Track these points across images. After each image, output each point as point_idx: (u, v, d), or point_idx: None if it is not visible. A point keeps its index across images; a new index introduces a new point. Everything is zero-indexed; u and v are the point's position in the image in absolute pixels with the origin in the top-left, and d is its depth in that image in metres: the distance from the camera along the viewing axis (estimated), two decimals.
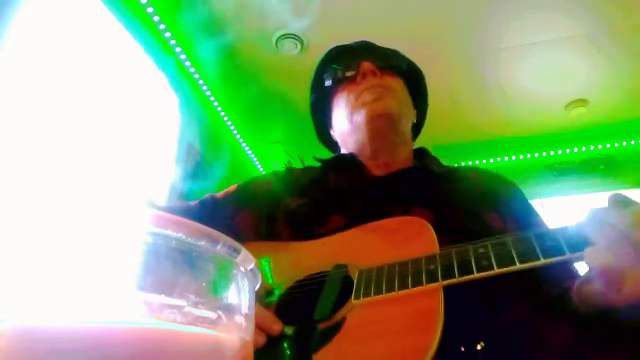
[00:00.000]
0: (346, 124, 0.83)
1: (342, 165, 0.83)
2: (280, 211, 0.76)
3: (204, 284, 0.21)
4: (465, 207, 0.70)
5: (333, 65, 0.88)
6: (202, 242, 0.20)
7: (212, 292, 0.21)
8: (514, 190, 0.81)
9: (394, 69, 0.85)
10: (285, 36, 2.12)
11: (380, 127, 0.78)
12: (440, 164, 0.85)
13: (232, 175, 2.60)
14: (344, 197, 0.75)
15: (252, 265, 0.24)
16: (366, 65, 0.81)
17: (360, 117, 0.78)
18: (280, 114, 2.57)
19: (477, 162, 3.06)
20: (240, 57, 2.23)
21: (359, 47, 0.89)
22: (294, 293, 0.61)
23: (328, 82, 0.87)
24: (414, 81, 0.90)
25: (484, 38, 2.18)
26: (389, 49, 0.90)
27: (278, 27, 2.09)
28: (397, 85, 0.83)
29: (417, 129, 0.94)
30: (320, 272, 0.61)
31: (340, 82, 0.85)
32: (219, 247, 0.21)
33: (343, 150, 0.89)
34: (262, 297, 0.61)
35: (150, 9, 1.87)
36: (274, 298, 0.61)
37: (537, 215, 0.77)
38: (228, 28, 2.08)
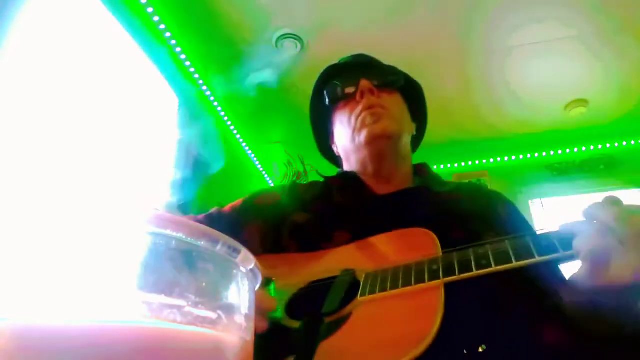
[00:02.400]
0: (349, 143, 0.86)
1: (346, 183, 0.86)
2: (286, 226, 0.78)
3: (204, 284, 0.21)
4: (465, 229, 0.72)
5: (333, 82, 0.90)
6: (202, 242, 0.20)
7: (212, 292, 0.21)
8: (512, 210, 0.83)
9: (391, 85, 0.88)
10: (285, 36, 2.12)
11: (381, 148, 0.81)
12: (442, 183, 0.88)
13: (232, 176, 2.61)
14: (347, 214, 0.78)
15: (252, 265, 0.24)
16: (364, 83, 0.83)
17: (362, 138, 0.81)
18: (280, 114, 2.57)
19: (477, 162, 3.06)
20: (241, 57, 2.23)
21: (357, 63, 0.92)
22: (304, 293, 0.65)
23: (328, 100, 0.90)
24: (411, 95, 0.92)
25: (484, 39, 2.18)
26: (386, 66, 0.93)
27: (278, 27, 2.09)
28: (395, 102, 0.86)
29: (417, 140, 0.96)
30: (329, 277, 0.64)
31: (340, 100, 0.88)
32: (219, 247, 0.21)
33: (345, 165, 0.92)
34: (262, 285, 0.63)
35: (150, 9, 1.87)
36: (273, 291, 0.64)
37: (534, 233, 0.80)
38: (228, 28, 2.08)
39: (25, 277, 0.17)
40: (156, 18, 1.91)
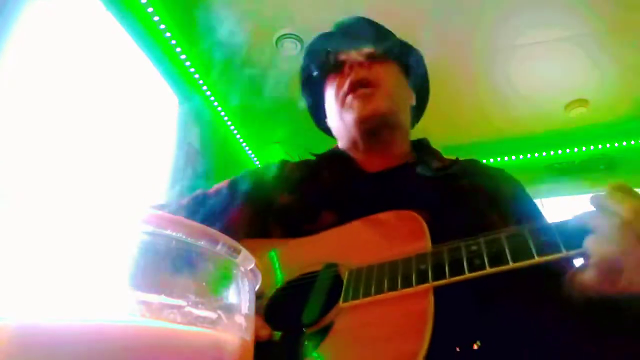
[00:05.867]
0: (337, 121, 0.80)
1: (335, 161, 0.81)
2: (272, 208, 0.74)
3: (204, 284, 0.21)
4: (464, 209, 0.66)
5: (321, 52, 0.84)
6: (202, 242, 0.20)
7: (212, 292, 0.21)
8: (518, 190, 0.76)
9: (384, 56, 0.80)
10: (285, 36, 2.12)
11: (371, 127, 0.76)
12: (441, 158, 0.81)
13: (232, 176, 2.60)
14: (335, 193, 0.73)
15: (252, 265, 0.24)
16: (353, 55, 0.78)
17: (350, 117, 0.76)
18: (280, 114, 2.57)
19: None
20: (240, 57, 2.23)
21: (347, 32, 0.85)
22: (284, 294, 0.60)
23: (315, 72, 0.85)
24: (409, 62, 0.86)
25: (484, 38, 2.18)
26: (380, 32, 0.85)
27: (278, 27, 2.09)
28: (387, 73, 0.79)
29: (418, 110, 0.89)
30: (311, 272, 0.59)
31: (328, 72, 0.83)
32: (219, 247, 0.21)
33: (339, 142, 0.86)
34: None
35: (150, 9, 1.87)
36: (264, 301, 0.59)
37: (542, 217, 0.72)
38: (228, 28, 2.08)
39: (25, 278, 0.17)
40: (156, 18, 1.91)
